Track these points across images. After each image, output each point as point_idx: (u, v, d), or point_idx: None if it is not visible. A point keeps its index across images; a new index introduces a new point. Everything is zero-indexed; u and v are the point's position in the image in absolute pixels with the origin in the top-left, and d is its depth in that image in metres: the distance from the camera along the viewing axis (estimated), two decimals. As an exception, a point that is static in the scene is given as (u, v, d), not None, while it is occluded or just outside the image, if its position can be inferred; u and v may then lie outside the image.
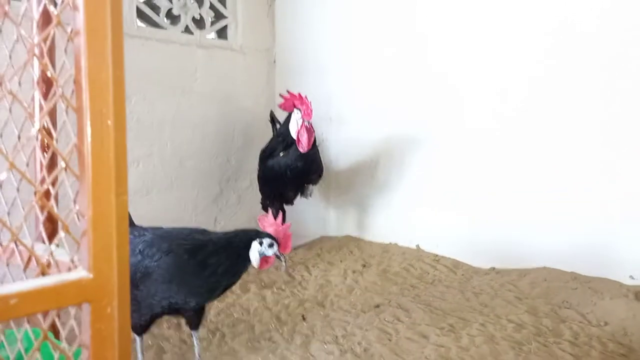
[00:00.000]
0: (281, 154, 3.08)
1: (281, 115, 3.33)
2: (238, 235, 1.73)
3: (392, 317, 2.42)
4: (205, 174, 3.61)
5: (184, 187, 3.48)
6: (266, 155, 3.19)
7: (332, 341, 2.17)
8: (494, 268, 3.10)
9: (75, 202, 0.58)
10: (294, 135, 3.01)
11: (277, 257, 1.74)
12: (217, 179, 3.71)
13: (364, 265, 3.21)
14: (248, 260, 1.71)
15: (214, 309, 2.54)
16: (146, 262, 1.67)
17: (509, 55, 2.97)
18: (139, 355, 1.88)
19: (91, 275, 0.56)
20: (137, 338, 1.87)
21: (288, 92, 3.01)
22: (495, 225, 3.13)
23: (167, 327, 2.30)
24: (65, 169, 0.56)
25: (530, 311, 2.45)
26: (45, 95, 0.74)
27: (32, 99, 0.74)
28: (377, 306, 2.56)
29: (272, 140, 3.38)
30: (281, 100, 3.12)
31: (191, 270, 1.62)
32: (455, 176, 3.27)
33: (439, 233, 3.36)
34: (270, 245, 1.71)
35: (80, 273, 0.56)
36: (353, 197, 3.07)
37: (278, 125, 3.37)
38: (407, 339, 2.20)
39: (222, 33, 3.72)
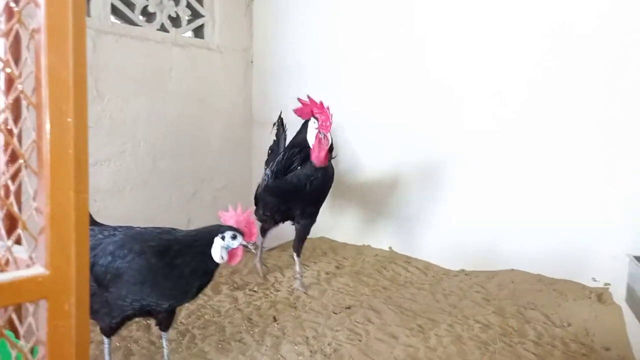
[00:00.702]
0: (299, 168, 2.73)
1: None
2: (200, 232, 1.72)
3: (363, 318, 2.44)
4: (179, 173, 3.58)
5: (157, 186, 3.44)
6: (283, 167, 2.77)
7: (303, 342, 2.19)
8: (463, 270, 3.16)
9: (34, 199, 0.58)
10: (311, 143, 2.70)
11: (245, 246, 1.71)
12: (192, 179, 3.68)
13: (337, 267, 3.23)
14: (213, 259, 1.69)
15: (184, 310, 2.52)
16: (117, 263, 1.64)
17: (507, 57, 2.98)
18: (107, 357, 1.85)
19: (48, 272, 0.56)
20: (106, 340, 1.84)
21: (308, 97, 2.69)
22: (465, 229, 3.20)
23: (136, 329, 2.27)
24: (25, 166, 0.56)
25: (497, 312, 2.52)
26: (7, 92, 0.73)
27: (-6, 95, 0.73)
28: (349, 307, 2.58)
29: (275, 147, 3.13)
30: (290, 101, 2.78)
31: (161, 272, 1.61)
32: (427, 181, 3.32)
33: (411, 235, 3.41)
34: (234, 237, 1.69)
35: (38, 270, 0.56)
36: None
37: (284, 132, 3.11)
38: (377, 340, 2.22)
39: (198, 32, 3.70)
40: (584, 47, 2.74)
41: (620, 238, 2.64)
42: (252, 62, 4.03)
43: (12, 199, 0.66)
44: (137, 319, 2.27)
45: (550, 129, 2.86)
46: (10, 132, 0.62)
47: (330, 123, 2.62)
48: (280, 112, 3.16)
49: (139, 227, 1.79)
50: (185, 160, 3.60)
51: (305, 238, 2.96)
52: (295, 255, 2.95)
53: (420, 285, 2.94)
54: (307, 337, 2.23)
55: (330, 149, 2.75)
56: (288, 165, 2.76)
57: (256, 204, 3.01)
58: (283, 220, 2.94)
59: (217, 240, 1.67)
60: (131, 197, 3.30)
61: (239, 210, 1.77)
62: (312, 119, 2.66)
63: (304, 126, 2.76)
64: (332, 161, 2.80)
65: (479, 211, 3.13)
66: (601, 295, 2.64)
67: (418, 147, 3.35)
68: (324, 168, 2.69)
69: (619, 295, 2.59)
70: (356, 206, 3.67)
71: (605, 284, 2.69)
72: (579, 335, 2.33)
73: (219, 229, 1.69)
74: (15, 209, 0.60)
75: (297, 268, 2.95)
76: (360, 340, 2.22)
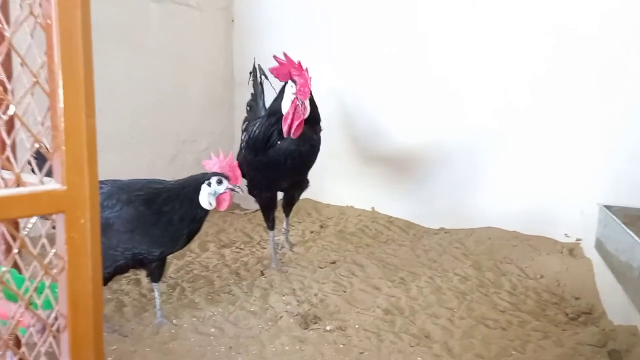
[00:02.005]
0: (278, 142, 2.42)
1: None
2: (187, 180, 1.75)
3: (347, 272, 2.53)
4: (161, 133, 3.54)
5: (139, 146, 3.41)
6: (262, 144, 2.45)
7: (290, 293, 2.26)
8: (443, 228, 3.27)
9: (42, 123, 0.60)
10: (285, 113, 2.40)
11: (232, 189, 1.75)
12: (174, 140, 3.66)
13: (321, 226, 3.30)
14: (201, 206, 1.73)
15: (172, 265, 2.56)
16: (106, 214, 1.67)
17: (511, 56, 2.98)
18: (98, 307, 1.89)
19: (65, 187, 0.58)
20: (96, 290, 1.87)
21: (285, 55, 2.39)
22: (445, 189, 3.29)
23: (127, 283, 2.31)
24: (35, 84, 0.58)
25: (475, 266, 2.63)
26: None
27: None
28: (333, 262, 2.66)
29: (253, 104, 2.86)
30: (274, 64, 2.42)
31: (150, 220, 1.64)
32: (409, 143, 3.38)
33: (393, 196, 3.48)
34: (220, 182, 1.72)
35: (55, 185, 0.58)
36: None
37: (261, 84, 2.82)
38: (361, 291, 2.31)
39: (178, -12, 3.60)
40: (586, 45, 2.74)
41: (591, 195, 2.76)
42: (233, 20, 3.95)
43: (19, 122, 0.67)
44: (127, 274, 2.31)
45: (525, 91, 2.93)
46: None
47: (309, 89, 2.34)
48: (254, 60, 2.89)
49: (126, 179, 1.80)
50: (166, 121, 3.56)
51: (293, 204, 2.84)
52: (285, 217, 2.90)
53: (402, 242, 3.03)
54: (294, 289, 2.31)
55: (317, 119, 2.51)
56: (267, 138, 2.44)
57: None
58: (272, 192, 2.66)
59: (204, 187, 1.71)
60: (113, 157, 3.27)
61: (222, 157, 1.79)
62: (290, 83, 2.37)
63: (283, 90, 2.46)
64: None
65: (458, 172, 3.22)
66: (572, 250, 2.77)
67: (404, 114, 3.39)
68: (308, 141, 2.47)
69: (589, 250, 2.73)
70: (340, 169, 3.71)
71: (577, 239, 2.83)
72: (550, 286, 2.47)
73: (204, 176, 1.72)
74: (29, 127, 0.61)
75: (285, 225, 2.92)
76: (344, 292, 2.30)
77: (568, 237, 2.87)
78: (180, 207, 1.67)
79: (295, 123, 2.34)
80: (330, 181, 3.72)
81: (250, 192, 2.61)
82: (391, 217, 3.45)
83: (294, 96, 2.34)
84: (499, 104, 3.03)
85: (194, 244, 2.88)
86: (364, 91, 3.50)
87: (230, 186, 1.73)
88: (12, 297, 0.78)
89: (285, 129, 2.37)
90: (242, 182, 2.58)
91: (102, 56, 3.11)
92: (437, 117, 3.25)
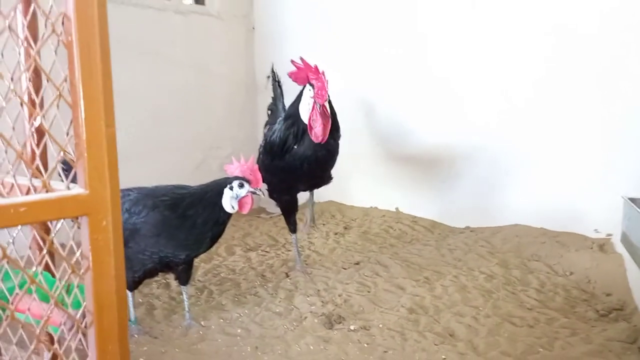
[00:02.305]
0: (295, 147, 2.41)
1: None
2: (210, 185, 1.80)
3: (371, 272, 2.54)
4: (186, 141, 3.64)
5: (165, 154, 3.51)
6: (278, 149, 2.44)
7: (315, 294, 2.29)
8: (468, 227, 3.24)
9: (67, 132, 0.65)
10: (305, 119, 2.37)
11: (253, 192, 1.79)
12: (199, 147, 3.74)
13: (345, 228, 3.32)
14: (224, 209, 1.77)
15: (200, 269, 2.62)
16: (133, 219, 1.73)
17: (512, 56, 2.98)
18: (131, 310, 1.96)
19: (87, 192, 0.63)
20: (129, 294, 1.95)
21: (302, 59, 2.39)
22: (469, 187, 3.26)
23: (157, 287, 2.38)
24: (59, 97, 0.62)
25: (501, 264, 2.60)
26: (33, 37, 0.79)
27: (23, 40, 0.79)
28: (357, 263, 2.68)
29: (273, 107, 2.85)
30: (292, 68, 2.43)
31: (174, 224, 1.69)
32: (434, 140, 3.37)
33: (417, 196, 3.47)
34: (241, 186, 1.77)
35: (78, 190, 0.63)
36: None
37: (280, 88, 2.82)
38: (385, 291, 2.32)
39: (199, -1, 3.70)
40: (586, 45, 2.73)
41: (621, 189, 2.69)
42: (253, 28, 4.03)
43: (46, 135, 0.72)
44: (157, 278, 2.39)
45: (551, 91, 2.89)
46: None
47: (327, 92, 2.32)
48: (272, 65, 2.88)
49: (152, 186, 1.87)
50: (190, 129, 3.65)
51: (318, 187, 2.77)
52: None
53: (426, 242, 3.02)
54: (319, 290, 2.33)
55: (336, 125, 2.45)
56: (282, 143, 2.43)
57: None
58: (291, 195, 2.64)
59: (226, 191, 1.75)
60: (138, 166, 3.35)
61: (243, 161, 1.84)
62: (307, 87, 2.37)
63: (299, 96, 2.45)
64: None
65: (482, 170, 3.18)
66: (603, 246, 2.71)
67: (427, 114, 3.38)
68: (324, 147, 2.40)
69: (620, 245, 2.66)
70: (363, 170, 3.72)
71: (608, 235, 2.76)
72: (580, 283, 2.42)
73: (226, 180, 1.77)
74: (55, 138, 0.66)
75: (308, 214, 2.88)
76: (369, 292, 2.32)
77: (598, 232, 2.80)
78: (203, 210, 1.72)
79: (320, 127, 2.33)
80: (354, 183, 3.74)
81: (271, 195, 2.63)
82: (415, 217, 3.44)
83: (312, 100, 2.34)
84: (525, 101, 2.99)
85: (220, 248, 2.95)
86: (387, 93, 3.51)
87: (251, 189, 1.77)
88: (45, 298, 0.84)
89: (313, 132, 2.34)
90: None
91: (129, 68, 3.25)
92: (460, 115, 3.23)
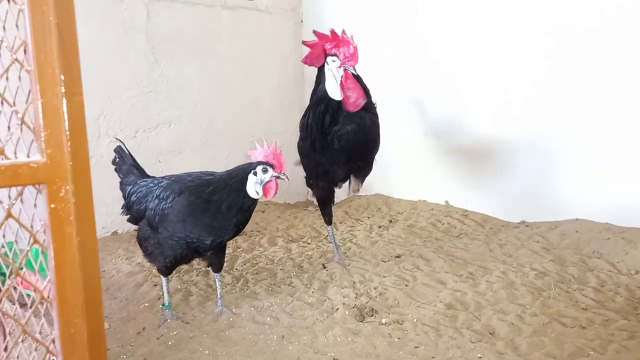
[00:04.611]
0: (334, 128, 2.19)
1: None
2: (234, 171, 1.79)
3: (411, 265, 2.43)
4: (235, 134, 3.70)
5: (215, 147, 3.59)
6: (320, 133, 2.23)
7: (349, 286, 2.23)
8: (524, 221, 3.03)
9: (27, 100, 0.65)
10: (335, 94, 2.12)
11: (277, 177, 1.76)
12: (247, 140, 3.79)
13: (390, 221, 3.23)
14: (249, 195, 1.76)
15: (240, 259, 2.65)
16: (162, 205, 1.77)
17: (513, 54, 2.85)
18: (166, 295, 2.01)
19: (44, 160, 0.62)
20: (163, 279, 2.00)
21: (315, 32, 2.15)
22: (525, 180, 3.04)
23: (196, 274, 2.43)
24: (14, 62, 0.62)
25: (556, 260, 2.40)
26: None
27: None
28: (398, 256, 2.58)
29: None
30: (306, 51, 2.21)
31: (199, 209, 1.71)
32: (487, 130, 3.18)
33: (468, 189, 3.30)
34: (265, 171, 1.75)
35: (35, 157, 0.63)
36: (380, 156, 2.95)
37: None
38: (424, 285, 2.22)
39: (247, -7, 3.74)
40: (588, 42, 2.55)
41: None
42: (302, 21, 4.02)
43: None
44: (197, 266, 2.44)
45: (619, 80, 2.61)
46: None
47: (356, 49, 2.04)
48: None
49: (182, 173, 1.90)
50: (239, 123, 3.71)
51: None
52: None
53: (475, 236, 2.86)
54: (354, 282, 2.27)
55: (365, 92, 2.18)
56: (319, 128, 2.22)
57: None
58: (328, 184, 2.47)
59: (251, 177, 1.74)
60: (191, 158, 3.48)
61: (266, 146, 1.82)
62: (330, 59, 2.11)
63: (320, 75, 2.20)
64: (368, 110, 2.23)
65: (540, 161, 2.96)
66: (677, 243, 2.42)
67: (480, 104, 3.20)
68: (357, 119, 2.17)
69: (698, 243, 2.36)
70: (410, 162, 3.59)
71: (683, 231, 2.46)
72: (647, 283, 2.17)
73: (250, 166, 1.76)
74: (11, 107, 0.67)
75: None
76: (406, 285, 2.22)
77: (671, 228, 2.51)
78: (227, 196, 1.72)
79: (354, 92, 2.09)
80: (401, 175, 3.62)
81: (308, 182, 2.54)
82: (467, 210, 3.27)
83: (342, 67, 2.07)
84: (590, 90, 2.74)
85: (263, 239, 2.96)
86: (437, 84, 3.36)
87: (275, 174, 1.74)
88: (34, 268, 0.86)
89: (352, 97, 2.09)
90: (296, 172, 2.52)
91: (180, 63, 3.35)
92: (515, 104, 3.02)
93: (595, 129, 2.74)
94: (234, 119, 3.68)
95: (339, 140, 2.21)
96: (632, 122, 2.61)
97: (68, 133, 0.64)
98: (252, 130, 3.81)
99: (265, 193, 1.76)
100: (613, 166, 2.69)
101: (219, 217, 1.71)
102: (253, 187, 1.75)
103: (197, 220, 1.72)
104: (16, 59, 0.62)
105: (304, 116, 2.38)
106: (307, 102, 4.07)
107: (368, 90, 2.25)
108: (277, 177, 1.75)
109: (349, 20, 3.72)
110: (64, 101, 0.64)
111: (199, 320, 1.97)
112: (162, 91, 3.28)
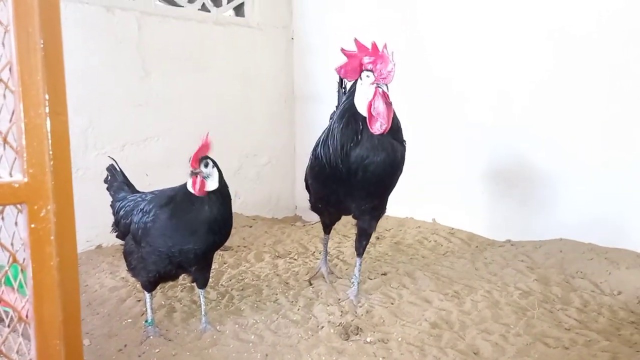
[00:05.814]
0: (351, 145, 1.97)
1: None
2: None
3: (397, 283, 2.44)
4: (225, 149, 3.69)
5: (203, 162, 3.58)
6: (339, 151, 1.99)
7: (335, 304, 2.22)
8: (509, 240, 3.06)
9: (10, 119, 0.65)
10: (364, 110, 1.95)
11: (192, 173, 1.76)
12: (237, 154, 3.80)
13: (377, 238, 3.23)
14: (201, 199, 1.78)
15: (226, 274, 2.63)
16: (144, 219, 1.77)
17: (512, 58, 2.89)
18: (149, 311, 1.99)
19: (26, 179, 0.62)
20: (147, 295, 1.97)
21: (355, 41, 1.98)
22: (512, 199, 3.08)
23: (180, 290, 2.41)
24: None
25: (541, 280, 2.42)
26: None
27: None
28: (384, 274, 2.58)
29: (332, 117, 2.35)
30: (335, 79, 2.13)
31: (175, 220, 1.74)
32: (472, 149, 3.22)
33: (455, 207, 3.33)
34: (206, 165, 1.79)
35: (17, 176, 0.63)
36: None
37: (344, 91, 2.27)
38: (410, 303, 2.22)
39: (239, 10, 3.78)
40: (586, 46, 2.60)
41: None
42: (292, 38, 4.06)
43: None
44: (182, 282, 2.41)
45: (600, 100, 2.68)
46: None
47: (394, 66, 1.86)
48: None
49: (167, 187, 1.90)
50: (230, 137, 3.72)
51: (368, 236, 2.31)
52: (356, 255, 2.33)
53: (461, 254, 2.88)
54: (340, 300, 2.27)
55: (397, 125, 2.01)
56: (342, 144, 1.99)
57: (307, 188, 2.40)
58: (338, 212, 2.34)
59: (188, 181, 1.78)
60: (180, 171, 3.45)
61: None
62: (364, 74, 1.94)
63: (352, 90, 2.03)
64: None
65: (526, 181, 3.00)
66: (658, 264, 2.46)
67: (467, 123, 3.25)
68: (389, 148, 1.98)
69: (679, 264, 2.40)
70: (399, 180, 3.62)
71: (665, 252, 2.50)
72: (629, 304, 2.20)
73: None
74: None
75: (355, 271, 2.31)
76: (392, 303, 2.22)
77: (653, 249, 2.55)
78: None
79: (383, 109, 1.91)
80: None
81: (314, 207, 2.36)
82: (453, 228, 3.29)
83: (374, 85, 1.91)
84: (573, 108, 2.80)
85: (250, 255, 2.95)
86: (424, 103, 3.41)
87: (191, 169, 1.75)
88: (13, 285, 0.85)
89: (376, 126, 1.92)
90: (305, 196, 2.41)
91: (171, 77, 3.36)
92: (501, 125, 3.07)
93: (579, 150, 2.79)
94: (224, 134, 3.68)
95: (364, 171, 1.97)
96: (617, 144, 2.66)
97: (51, 153, 0.64)
98: (242, 145, 3.82)
99: (194, 185, 1.78)
100: (597, 186, 2.74)
101: (188, 225, 1.74)
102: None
103: (171, 231, 1.73)
104: (0, 79, 0.63)
105: (325, 136, 2.10)
106: (296, 119, 4.14)
107: (399, 120, 2.07)
108: (192, 173, 1.75)
109: (339, 38, 3.77)
110: (48, 121, 0.64)
111: (182, 337, 1.94)
112: (152, 104, 3.28)
